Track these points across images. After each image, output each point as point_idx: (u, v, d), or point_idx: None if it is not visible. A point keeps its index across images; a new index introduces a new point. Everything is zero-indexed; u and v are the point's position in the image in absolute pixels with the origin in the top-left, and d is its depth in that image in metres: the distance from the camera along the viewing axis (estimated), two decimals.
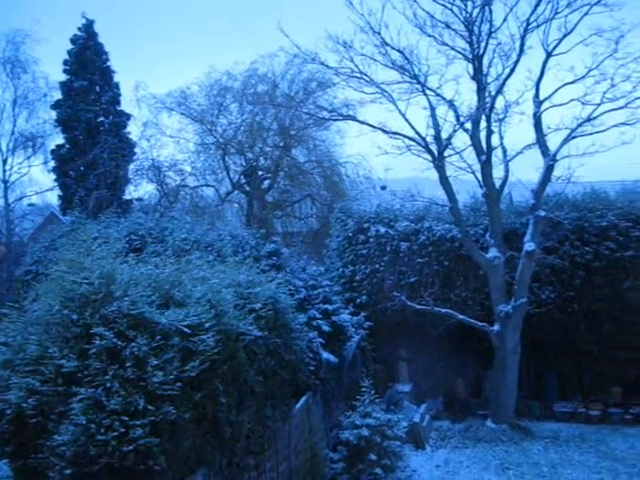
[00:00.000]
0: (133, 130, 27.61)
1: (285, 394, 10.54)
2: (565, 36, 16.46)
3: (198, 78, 28.10)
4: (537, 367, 18.55)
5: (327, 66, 17.81)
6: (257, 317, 9.02)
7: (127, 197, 27.32)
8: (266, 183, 28.68)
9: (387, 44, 16.57)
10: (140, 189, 28.46)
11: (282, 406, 10.34)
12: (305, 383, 11.61)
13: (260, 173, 28.39)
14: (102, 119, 26.29)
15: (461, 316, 17.10)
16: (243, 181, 28.39)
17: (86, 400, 6.79)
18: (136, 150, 27.06)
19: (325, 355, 12.46)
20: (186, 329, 7.47)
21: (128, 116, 27.14)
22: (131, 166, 27.21)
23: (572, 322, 17.81)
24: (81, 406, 6.75)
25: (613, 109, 16.50)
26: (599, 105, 16.47)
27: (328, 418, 13.47)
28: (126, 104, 27.62)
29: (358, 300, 18.39)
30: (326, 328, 12.97)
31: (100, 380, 6.92)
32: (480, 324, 17.00)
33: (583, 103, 16.64)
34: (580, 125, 16.61)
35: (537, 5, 16.30)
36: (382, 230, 19.05)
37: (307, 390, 11.89)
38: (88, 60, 26.10)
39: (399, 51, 16.62)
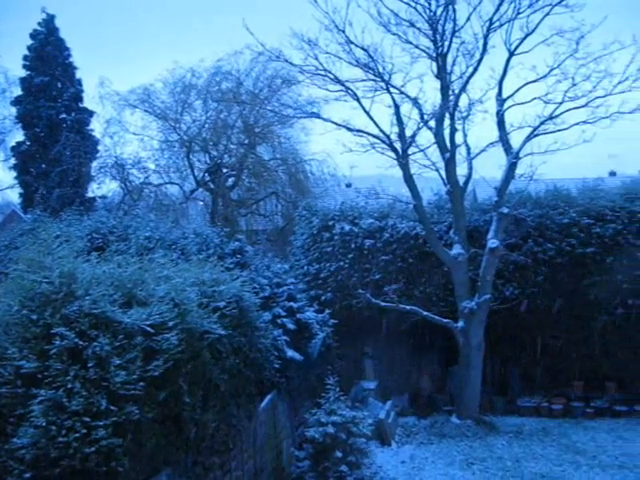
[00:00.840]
0: (96, 127, 27.43)
1: (250, 392, 10.50)
2: (527, 36, 16.64)
3: (162, 75, 27.89)
4: (501, 363, 18.76)
5: (292, 64, 17.80)
6: (221, 315, 8.96)
7: (90, 195, 27.07)
8: (231, 181, 28.54)
9: (351, 42, 16.59)
10: (103, 187, 28.26)
11: (247, 404, 10.31)
12: (270, 381, 11.59)
13: (225, 171, 28.24)
14: (64, 116, 26.01)
15: (425, 313, 17.20)
16: (207, 179, 28.21)
17: (46, 402, 6.67)
18: (99, 147, 26.88)
19: (290, 353, 12.43)
20: (149, 328, 7.39)
21: (91, 113, 26.87)
22: (94, 163, 27.02)
23: (535, 318, 18.04)
24: (41, 408, 6.63)
25: (574, 108, 16.74)
26: (560, 104, 16.70)
27: (294, 416, 13.46)
28: (90, 101, 27.40)
29: (323, 297, 18.40)
30: (291, 326, 12.94)
31: (61, 381, 6.79)
32: (444, 320, 17.12)
33: (545, 102, 16.85)
34: (542, 123, 16.82)
35: (500, 5, 16.45)
36: (347, 228, 19.08)
37: (272, 388, 11.87)
38: (49, 56, 25.78)
39: (363, 49, 16.65)
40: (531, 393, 18.27)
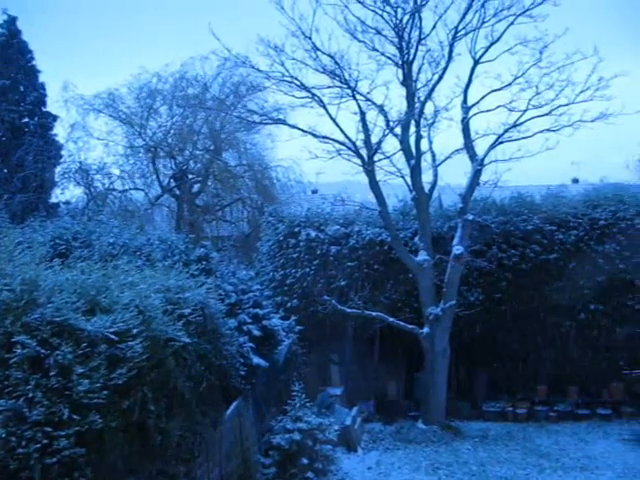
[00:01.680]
0: (60, 132, 26.93)
1: (216, 400, 10.44)
2: (492, 44, 16.86)
3: (127, 80, 27.56)
4: (466, 368, 18.89)
5: (258, 70, 17.79)
6: (186, 323, 8.88)
7: (53, 200, 26.61)
8: (196, 187, 28.37)
9: (318, 49, 16.64)
10: (67, 192, 27.77)
11: (213, 412, 10.23)
12: (236, 388, 11.51)
13: (190, 177, 28.07)
14: (27, 120, 25.57)
15: (391, 319, 17.26)
16: (173, 185, 28.01)
17: (6, 412, 6.53)
18: (63, 152, 26.35)
19: (256, 360, 12.37)
20: (113, 336, 7.30)
21: (54, 117, 26.42)
22: (58, 169, 26.40)
23: (500, 323, 18.21)
24: (0, 418, 6.49)
25: (538, 116, 17.00)
26: (524, 112, 16.96)
27: (260, 423, 13.38)
28: (53, 105, 26.99)
29: (289, 304, 18.39)
30: (257, 332, 12.88)
31: (22, 390, 6.65)
32: (410, 327, 17.19)
33: (509, 110, 17.09)
34: (507, 131, 17.04)
35: (465, 14, 16.63)
36: (312, 234, 19.10)
37: (238, 395, 11.79)
38: (10, 58, 25.31)
39: (330, 56, 16.70)
40: (496, 398, 18.42)
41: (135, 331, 7.54)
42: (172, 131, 28.08)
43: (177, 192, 27.91)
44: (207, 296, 10.21)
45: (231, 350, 11.05)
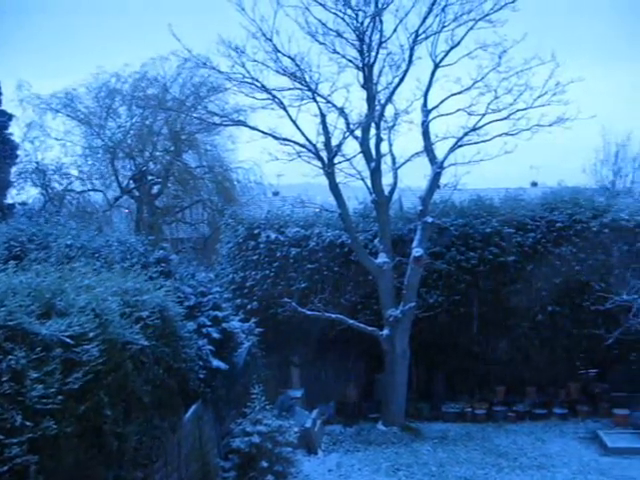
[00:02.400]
0: (16, 131, 26.49)
1: (174, 403, 10.34)
2: (452, 49, 16.99)
3: (86, 80, 27.13)
4: (426, 369, 18.99)
5: (219, 71, 17.73)
6: (144, 326, 8.79)
7: (9, 201, 26.18)
8: (156, 188, 28.10)
9: (279, 51, 16.61)
10: (23, 193, 27.32)
11: (171, 416, 10.14)
12: (195, 391, 11.44)
13: (150, 178, 27.79)
14: None
15: (351, 321, 17.30)
16: (132, 186, 27.71)
17: None
18: (19, 152, 25.95)
19: (215, 362, 12.31)
20: (68, 339, 7.18)
21: (10, 116, 26.02)
22: (14, 169, 26.03)
23: (459, 325, 18.36)
24: None
25: (496, 120, 17.19)
26: (483, 115, 17.12)
27: (219, 426, 13.31)
28: (8, 104, 26.52)
29: (249, 306, 18.32)
30: (216, 335, 12.81)
31: None
32: (370, 329, 17.24)
33: (469, 113, 17.25)
34: (466, 134, 17.19)
35: (425, 18, 16.74)
36: (272, 236, 19.06)
37: (197, 399, 11.71)
38: None
39: (290, 58, 16.68)
40: (455, 399, 18.56)
41: (91, 334, 7.42)
42: (131, 132, 27.78)
43: (136, 193, 27.61)
44: (166, 299, 10.13)
45: (190, 353, 10.98)
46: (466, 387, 18.89)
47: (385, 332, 17.18)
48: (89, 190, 28.30)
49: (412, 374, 18.17)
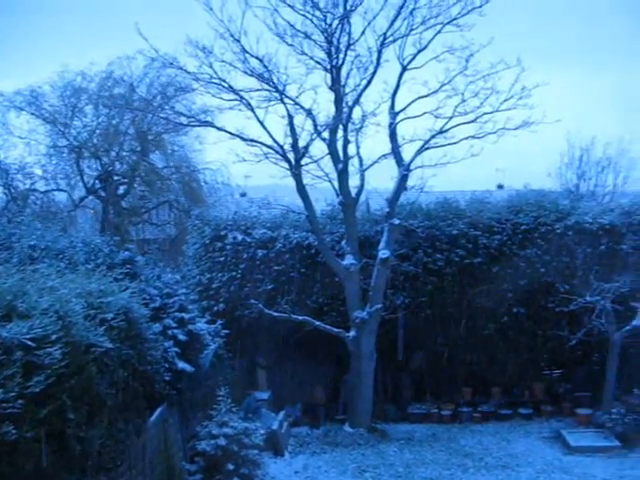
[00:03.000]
0: None
1: (139, 406, 10.24)
2: (419, 52, 17.08)
3: (51, 78, 26.75)
4: (393, 371, 19.05)
5: (186, 71, 17.59)
6: (109, 328, 8.69)
7: None
8: (122, 189, 27.84)
9: (246, 52, 16.56)
10: None
11: (136, 419, 10.04)
12: (160, 394, 11.34)
13: (116, 178, 27.54)
14: None
15: (317, 323, 17.30)
16: (98, 186, 27.41)
17: None
18: None
19: (181, 365, 12.22)
20: (30, 342, 7.07)
21: None
22: None
23: (425, 326, 18.46)
24: None
25: (463, 123, 17.31)
26: (450, 118, 17.23)
27: (185, 429, 13.21)
28: None
29: (215, 308, 18.24)
30: (182, 337, 12.72)
31: None
32: (336, 330, 17.26)
33: (435, 116, 17.34)
34: (433, 137, 17.29)
35: (394, 21, 16.79)
36: (239, 237, 19.00)
37: (163, 401, 11.61)
38: None
39: (258, 59, 16.64)
40: (422, 400, 18.65)
41: (54, 337, 7.31)
42: (97, 131, 27.40)
43: (102, 194, 27.33)
44: (131, 300, 10.03)
45: (155, 355, 10.88)
46: (432, 388, 18.99)
47: (351, 334, 17.21)
48: (53, 190, 27.84)
49: (378, 376, 18.21)
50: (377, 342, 17.44)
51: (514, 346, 18.66)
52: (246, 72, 16.91)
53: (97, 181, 27.43)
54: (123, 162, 27.83)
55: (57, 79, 26.72)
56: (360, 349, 17.18)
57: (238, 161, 17.11)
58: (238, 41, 16.44)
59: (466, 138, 17.40)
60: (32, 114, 27.00)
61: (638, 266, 17.71)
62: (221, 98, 17.27)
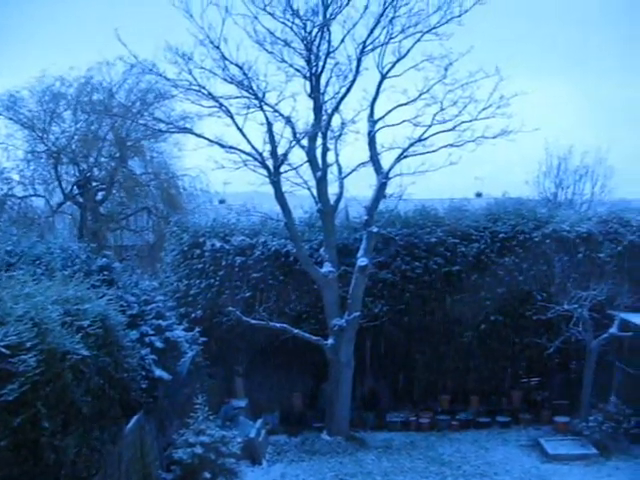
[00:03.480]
0: None
1: (115, 414, 10.15)
2: (399, 60, 17.12)
3: (29, 82, 26.48)
4: (371, 379, 19.04)
5: (166, 78, 17.53)
6: (85, 335, 8.63)
7: None
8: (100, 195, 27.66)
9: (226, 59, 16.52)
10: None
11: (112, 427, 9.95)
12: (137, 402, 11.26)
13: (94, 184, 27.35)
14: None
15: (296, 330, 17.26)
16: (76, 192, 27.21)
17: None
18: None
19: (158, 372, 12.14)
20: (4, 349, 6.99)
21: None
22: None
23: (404, 334, 18.48)
24: None
25: (442, 131, 17.37)
26: (429, 127, 17.30)
27: (162, 437, 13.12)
28: None
29: (193, 315, 18.14)
30: (159, 344, 12.65)
31: None
32: (314, 338, 17.23)
33: (414, 124, 17.38)
34: (412, 145, 17.33)
35: (373, 29, 16.84)
36: (217, 244, 18.93)
37: (139, 409, 11.52)
38: None
39: (238, 66, 16.61)
40: (400, 408, 18.63)
41: (29, 344, 7.25)
42: (76, 137, 27.17)
43: (80, 200, 27.12)
44: (108, 307, 9.98)
45: (132, 363, 10.81)
46: (411, 396, 19.00)
47: (330, 341, 17.18)
48: (31, 195, 27.56)
49: (357, 383, 18.19)
50: (355, 350, 17.44)
51: (492, 354, 18.72)
52: (226, 79, 16.86)
53: (75, 187, 27.21)
54: (101, 168, 27.63)
55: (36, 84, 26.49)
56: (338, 357, 17.15)
57: (217, 168, 17.05)
58: (218, 48, 16.41)
59: (445, 146, 17.46)
60: (10, 119, 26.74)
61: (615, 274, 17.86)
62: (200, 105, 17.25)
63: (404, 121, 17.49)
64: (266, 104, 16.97)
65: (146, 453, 11.85)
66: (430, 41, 16.92)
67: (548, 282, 18.13)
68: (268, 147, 17.11)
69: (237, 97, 17.03)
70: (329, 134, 17.66)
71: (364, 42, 17.04)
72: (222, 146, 16.96)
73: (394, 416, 18.38)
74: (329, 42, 16.97)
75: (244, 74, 16.72)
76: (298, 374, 18.91)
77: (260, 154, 17.02)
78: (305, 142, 17.41)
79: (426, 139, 17.39)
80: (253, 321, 17.26)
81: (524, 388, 19.02)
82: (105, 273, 13.05)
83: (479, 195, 30.72)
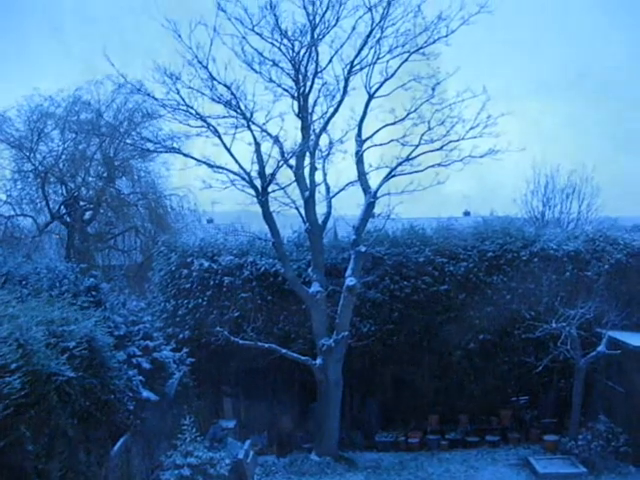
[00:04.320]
0: None
1: (102, 436, 10.07)
2: (386, 80, 17.25)
3: (18, 102, 26.43)
4: (360, 398, 18.96)
5: (154, 97, 17.54)
6: (71, 356, 8.58)
7: None
8: (88, 214, 27.59)
9: (214, 78, 16.56)
10: None
11: (98, 449, 9.87)
12: (124, 423, 11.18)
13: (82, 204, 27.29)
14: None
15: (284, 350, 17.19)
16: (63, 211, 27.14)
17: None
18: None
19: (145, 393, 12.06)
20: None
21: None
22: None
23: (392, 354, 18.44)
24: None
25: (430, 151, 17.45)
26: (417, 146, 17.36)
27: (149, 459, 13.00)
28: None
29: (180, 335, 18.05)
30: (146, 365, 12.58)
31: None
32: (303, 358, 17.16)
33: (402, 144, 17.45)
34: (399, 164, 17.38)
35: (361, 49, 16.96)
36: (205, 264, 18.85)
37: (126, 431, 11.43)
38: None
39: (226, 86, 16.64)
40: (389, 428, 18.55)
41: (13, 366, 7.19)
42: (64, 156, 27.15)
43: (68, 219, 27.06)
44: (95, 328, 9.92)
45: (119, 384, 10.74)
46: (399, 416, 18.90)
47: (318, 361, 17.11)
48: (18, 215, 27.44)
49: (346, 403, 18.11)
50: (344, 369, 17.38)
51: (481, 373, 18.70)
52: (214, 99, 16.89)
53: (63, 206, 27.16)
54: (89, 187, 27.60)
55: (24, 103, 26.48)
56: (327, 376, 17.08)
57: (205, 188, 17.02)
58: (206, 68, 16.45)
59: (432, 166, 17.52)
60: None
61: (603, 292, 17.92)
62: (188, 125, 17.24)
63: (392, 141, 17.59)
64: (254, 124, 17.00)
65: (133, 475, 11.75)
66: (417, 61, 17.08)
67: (536, 301, 18.11)
68: (256, 167, 17.10)
69: (225, 117, 17.04)
70: (317, 154, 17.69)
71: (352, 62, 17.17)
72: (210, 166, 16.95)
73: (383, 436, 18.29)
74: (317, 62, 17.06)
75: (232, 94, 16.75)
76: (287, 394, 18.82)
77: (248, 174, 17.01)
78: (293, 162, 17.44)
79: (414, 159, 17.47)
80: (241, 341, 17.17)
81: (513, 407, 18.97)
82: (93, 293, 12.99)
83: (467, 214, 30.83)
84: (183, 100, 16.66)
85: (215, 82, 16.64)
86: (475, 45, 30.21)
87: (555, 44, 41.83)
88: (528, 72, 42.35)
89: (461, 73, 16.99)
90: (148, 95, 17.82)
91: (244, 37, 16.47)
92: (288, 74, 17.13)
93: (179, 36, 16.05)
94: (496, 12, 16.54)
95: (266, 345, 17.17)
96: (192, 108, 16.76)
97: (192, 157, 17.21)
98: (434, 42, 16.84)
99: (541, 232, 20.15)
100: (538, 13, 36.83)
